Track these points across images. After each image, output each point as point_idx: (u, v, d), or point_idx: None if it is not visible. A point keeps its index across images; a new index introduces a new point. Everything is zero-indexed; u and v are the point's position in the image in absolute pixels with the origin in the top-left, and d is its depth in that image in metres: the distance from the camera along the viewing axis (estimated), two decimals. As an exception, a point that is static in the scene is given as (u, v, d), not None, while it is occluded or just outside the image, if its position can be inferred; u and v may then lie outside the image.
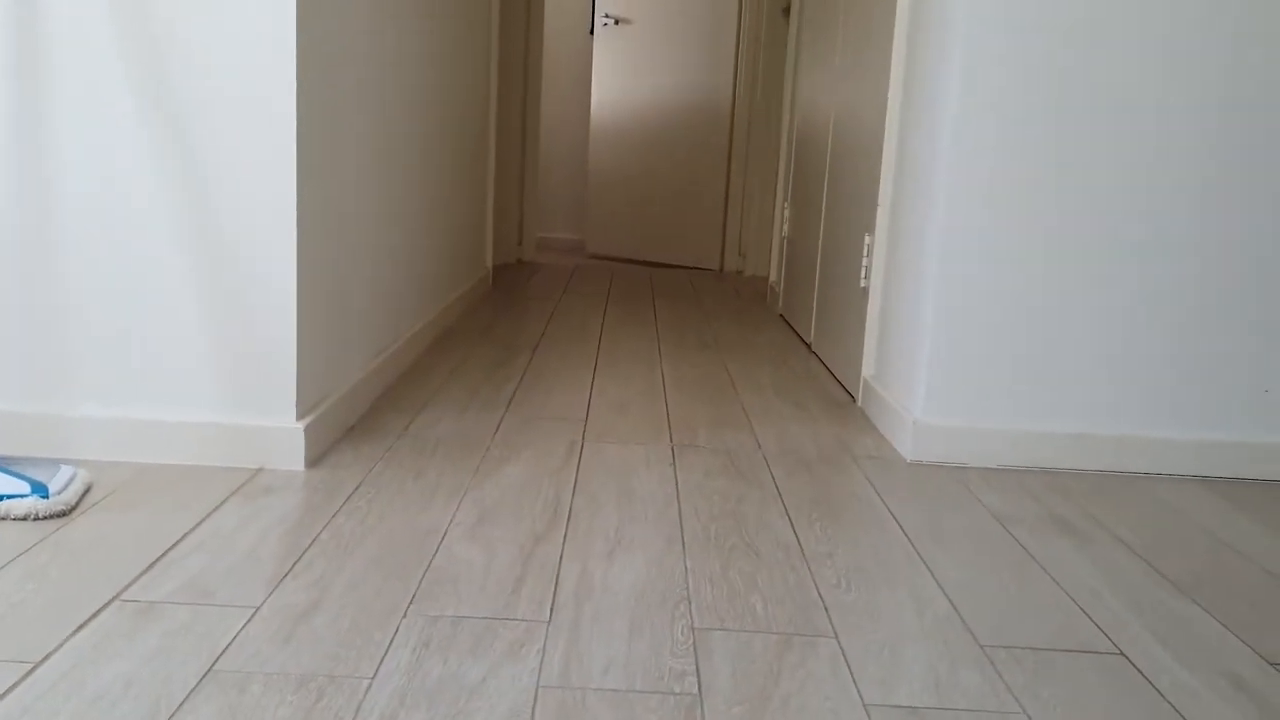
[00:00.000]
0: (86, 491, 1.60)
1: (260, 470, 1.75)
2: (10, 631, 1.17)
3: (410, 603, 1.29)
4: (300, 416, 1.78)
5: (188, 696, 1.05)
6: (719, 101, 4.86)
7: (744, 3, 4.75)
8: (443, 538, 1.50)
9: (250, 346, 1.74)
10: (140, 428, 1.75)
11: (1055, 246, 1.94)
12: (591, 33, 5.71)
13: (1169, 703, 1.14)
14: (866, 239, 2.36)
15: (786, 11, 4.47)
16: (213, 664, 1.12)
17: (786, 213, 3.59)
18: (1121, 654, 1.25)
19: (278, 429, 1.76)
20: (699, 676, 1.15)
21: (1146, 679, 1.19)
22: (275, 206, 1.70)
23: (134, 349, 1.74)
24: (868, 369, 2.36)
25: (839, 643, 1.24)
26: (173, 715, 1.02)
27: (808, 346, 3.10)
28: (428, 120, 2.71)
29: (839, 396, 2.50)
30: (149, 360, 1.74)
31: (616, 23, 5.09)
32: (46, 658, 1.12)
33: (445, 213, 3.04)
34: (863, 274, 2.38)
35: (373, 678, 1.11)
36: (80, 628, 1.18)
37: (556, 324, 3.29)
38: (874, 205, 2.32)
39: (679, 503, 1.71)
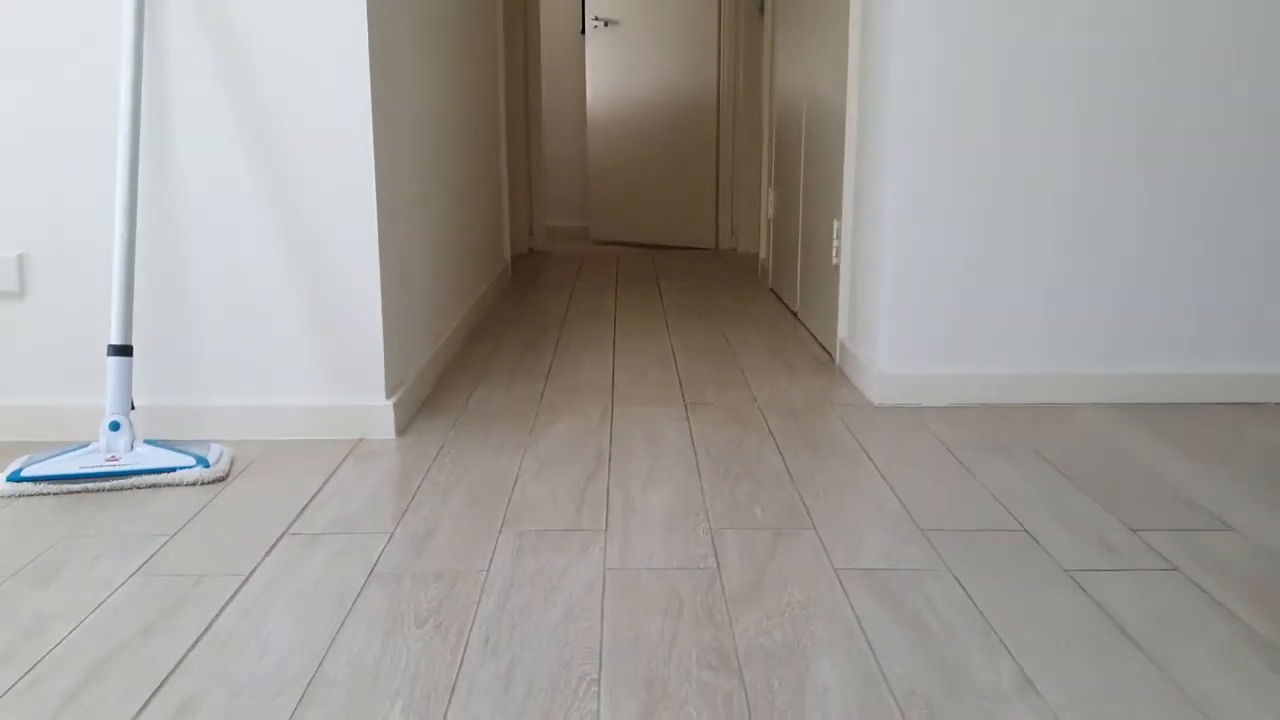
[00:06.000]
0: (233, 462, 2.06)
1: (361, 440, 2.20)
2: (222, 555, 1.62)
3: (502, 525, 1.75)
4: (389, 395, 2.24)
5: (361, 589, 1.51)
6: (705, 94, 5.29)
7: (723, 2, 5.17)
8: (515, 481, 1.96)
9: (346, 341, 2.19)
10: (262, 411, 2.20)
11: (990, 213, 2.39)
12: (583, 33, 6.13)
13: (1053, 558, 1.60)
14: (835, 224, 2.81)
15: (761, 9, 4.89)
16: (371, 569, 1.58)
17: (771, 196, 4.03)
18: (1026, 531, 1.71)
19: (372, 406, 2.21)
20: (717, 558, 1.60)
21: (1039, 545, 1.65)
22: (360, 229, 2.15)
23: (253, 349, 2.19)
24: (842, 332, 2.81)
25: (817, 533, 1.70)
26: (355, 600, 1.47)
27: (794, 315, 3.55)
28: (456, 130, 3.15)
29: (820, 356, 2.96)
30: (266, 357, 2.19)
31: (606, 24, 5.51)
32: (253, 571, 1.57)
33: (473, 212, 3.49)
34: (834, 253, 2.83)
35: (487, 570, 1.56)
36: (269, 552, 1.64)
37: (575, 307, 3.74)
38: (840, 193, 2.76)
39: (694, 446, 2.16)
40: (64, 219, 2.13)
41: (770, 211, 4.06)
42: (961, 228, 2.39)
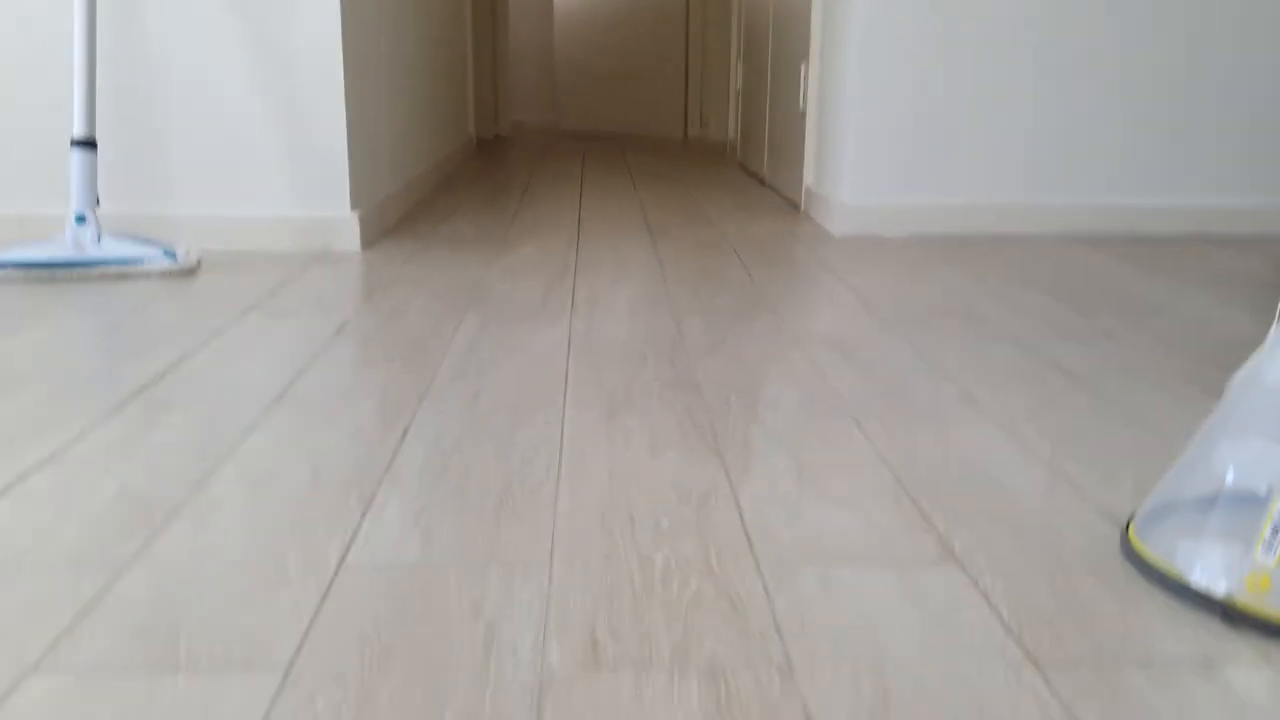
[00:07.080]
0: (200, 261, 2.08)
1: (327, 249, 2.23)
2: (194, 321, 1.65)
3: (469, 307, 1.79)
4: (353, 208, 2.26)
5: (331, 339, 1.55)
6: (676, -21, 5.25)
7: (695, -116, 5.12)
8: (483, 282, 2.00)
9: (312, 153, 2.21)
10: (227, 221, 2.22)
11: (945, 53, 2.43)
12: (553, -79, 6.05)
13: (997, 327, 1.66)
14: (803, 66, 2.84)
15: (734, -109, 4.85)
16: (338, 330, 1.61)
17: (740, 69, 4.04)
18: (973, 314, 1.77)
19: (338, 218, 2.23)
20: (679, 330, 1.65)
21: (986, 320, 1.71)
22: (327, 50, 2.15)
23: (220, 159, 2.20)
24: (809, 179, 2.85)
25: (776, 314, 1.75)
26: (325, 347, 1.51)
27: (762, 182, 3.59)
28: (419, 6, 3.14)
29: (786, 209, 3.00)
30: (232, 168, 2.20)
31: (577, -91, 5.44)
32: (225, 329, 1.60)
33: (438, 76, 3.48)
34: (801, 99, 2.86)
35: (454, 335, 1.61)
36: (240, 317, 1.67)
37: (542, 172, 3.76)
38: (807, 36, 2.79)
39: (660, 263, 2.20)
40: (27, 23, 2.12)
41: (739, 84, 4.08)
42: (922, 65, 2.43)
